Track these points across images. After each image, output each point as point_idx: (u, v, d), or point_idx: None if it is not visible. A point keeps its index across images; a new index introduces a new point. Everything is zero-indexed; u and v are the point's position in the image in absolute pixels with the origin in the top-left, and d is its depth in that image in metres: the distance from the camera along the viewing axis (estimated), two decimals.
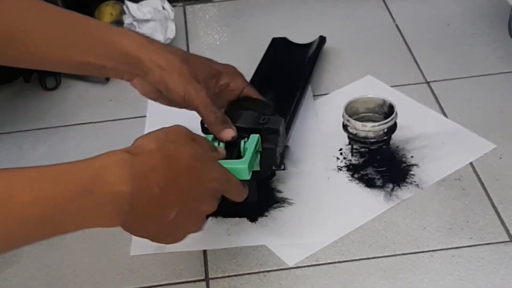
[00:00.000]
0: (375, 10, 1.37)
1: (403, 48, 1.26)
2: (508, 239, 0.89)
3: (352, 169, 1.00)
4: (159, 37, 1.26)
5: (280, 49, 1.23)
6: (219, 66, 0.93)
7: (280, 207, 0.95)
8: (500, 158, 1.00)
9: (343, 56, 1.25)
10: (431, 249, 0.88)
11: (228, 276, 0.87)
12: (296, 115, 1.05)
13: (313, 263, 0.88)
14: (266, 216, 0.94)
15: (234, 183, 0.79)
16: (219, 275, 0.88)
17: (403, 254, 0.88)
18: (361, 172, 0.99)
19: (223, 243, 0.92)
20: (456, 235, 0.90)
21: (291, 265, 0.88)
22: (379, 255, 0.88)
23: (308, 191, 0.97)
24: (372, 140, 1.00)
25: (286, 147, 0.92)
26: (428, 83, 1.16)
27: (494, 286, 0.83)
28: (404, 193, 0.96)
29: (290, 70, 1.16)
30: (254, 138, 0.86)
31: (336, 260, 0.88)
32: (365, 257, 0.88)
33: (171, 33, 1.29)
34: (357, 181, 0.98)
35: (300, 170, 1.01)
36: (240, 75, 0.94)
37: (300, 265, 0.88)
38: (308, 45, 1.23)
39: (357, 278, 0.86)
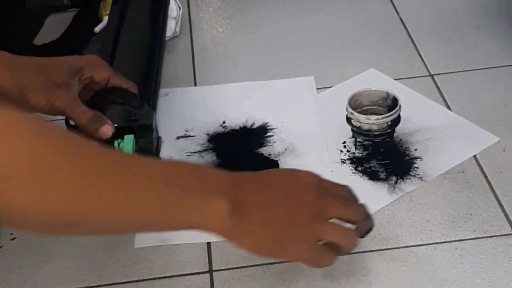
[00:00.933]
0: (378, 3, 1.36)
1: (406, 41, 1.25)
2: None
3: (355, 162, 1.00)
4: None
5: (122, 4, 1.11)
6: (79, 61, 0.87)
7: None
8: (504, 151, 1.00)
9: (346, 49, 1.25)
10: (434, 241, 0.88)
11: (232, 268, 0.88)
12: (160, 78, 0.96)
13: None
14: None
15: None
16: (223, 267, 0.88)
17: (407, 246, 0.88)
18: (365, 165, 0.99)
19: None
20: (459, 227, 0.90)
21: None
22: (383, 248, 0.88)
23: None
24: (375, 133, 1.00)
25: (159, 139, 0.85)
26: (431, 76, 1.16)
27: (497, 279, 0.83)
28: (408, 186, 0.96)
29: (138, 26, 1.05)
30: (130, 139, 0.79)
31: None
32: (368, 249, 0.88)
33: (168, 31, 1.26)
34: (361, 174, 0.98)
35: (304, 163, 1.01)
36: (104, 65, 0.89)
37: None
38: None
39: (360, 270, 0.86)
